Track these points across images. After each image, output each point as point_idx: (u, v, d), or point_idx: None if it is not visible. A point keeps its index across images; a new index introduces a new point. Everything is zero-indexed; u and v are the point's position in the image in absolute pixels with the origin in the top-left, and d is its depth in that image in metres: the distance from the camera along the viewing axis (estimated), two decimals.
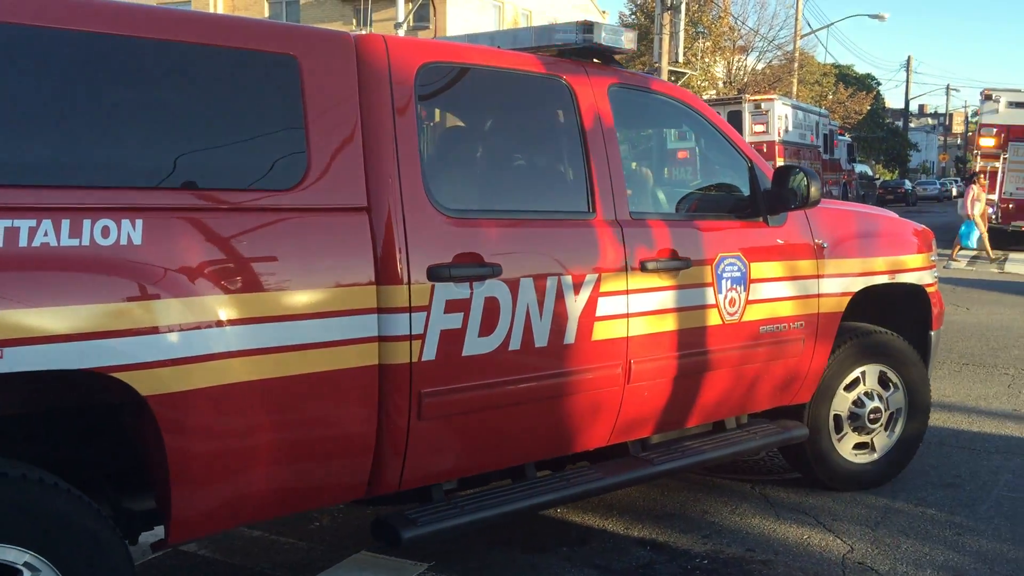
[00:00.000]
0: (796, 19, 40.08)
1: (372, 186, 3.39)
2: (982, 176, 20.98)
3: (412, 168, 3.49)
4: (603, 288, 3.96)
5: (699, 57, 33.99)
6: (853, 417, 5.25)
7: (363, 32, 4.56)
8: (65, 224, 2.75)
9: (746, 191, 4.76)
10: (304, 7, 36.87)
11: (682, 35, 28.78)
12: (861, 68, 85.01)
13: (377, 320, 3.35)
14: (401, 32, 25.96)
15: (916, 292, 5.57)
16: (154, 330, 2.86)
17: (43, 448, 3.12)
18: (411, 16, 26.47)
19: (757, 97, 26.33)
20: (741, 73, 35.76)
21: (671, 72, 29.49)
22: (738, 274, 4.49)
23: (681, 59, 28.99)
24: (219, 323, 2.98)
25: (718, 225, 4.57)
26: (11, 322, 2.60)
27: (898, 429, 5.40)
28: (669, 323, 4.25)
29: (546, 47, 4.26)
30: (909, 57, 79.00)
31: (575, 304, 3.89)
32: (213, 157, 3.19)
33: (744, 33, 36.27)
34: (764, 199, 4.67)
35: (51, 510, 2.72)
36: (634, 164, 5.86)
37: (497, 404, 3.74)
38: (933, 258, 5.75)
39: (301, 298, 3.19)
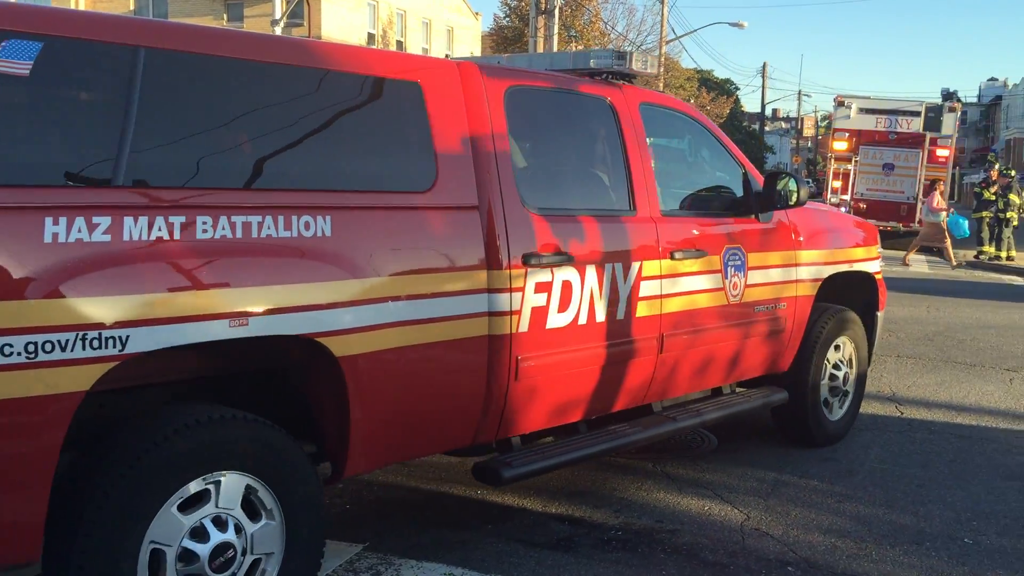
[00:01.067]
0: (662, 25, 41.43)
1: (480, 188, 4.14)
2: (941, 184, 21.70)
3: (507, 173, 4.25)
4: (644, 273, 4.79)
5: None
6: (831, 379, 6.26)
7: (455, 58, 5.59)
8: (281, 220, 3.46)
9: (740, 193, 5.60)
10: (172, 1, 35.84)
11: (556, 38, 29.42)
12: (721, 73, 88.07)
13: (487, 298, 4.10)
14: (278, 30, 25.67)
15: (867, 278, 6.67)
16: (346, 304, 3.59)
17: (235, 401, 3.68)
18: (285, 14, 26.11)
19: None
20: None
21: None
22: (739, 262, 5.39)
23: None
24: (386, 299, 3.73)
25: (722, 221, 5.47)
26: (254, 297, 3.33)
27: (852, 391, 6.48)
28: (690, 303, 5.10)
29: (582, 69, 5.03)
30: (764, 64, 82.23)
31: (625, 286, 4.71)
32: (373, 165, 3.92)
33: (614, 38, 37.24)
34: (756, 200, 5.56)
35: (269, 442, 3.44)
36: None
37: (568, 370, 4.51)
38: (879, 250, 6.88)
39: (438, 279, 3.95)
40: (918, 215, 23.85)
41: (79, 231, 2.97)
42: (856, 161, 24.42)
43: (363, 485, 5.29)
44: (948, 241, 20.57)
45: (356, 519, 4.88)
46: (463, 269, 4.04)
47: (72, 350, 2.91)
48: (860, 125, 24.55)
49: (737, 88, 73.32)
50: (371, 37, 38.13)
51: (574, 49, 34.86)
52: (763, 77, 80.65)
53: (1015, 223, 21.68)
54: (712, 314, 5.25)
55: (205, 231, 3.26)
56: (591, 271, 4.51)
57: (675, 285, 4.97)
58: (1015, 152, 75.92)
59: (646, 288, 4.79)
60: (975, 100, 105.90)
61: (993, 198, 21.80)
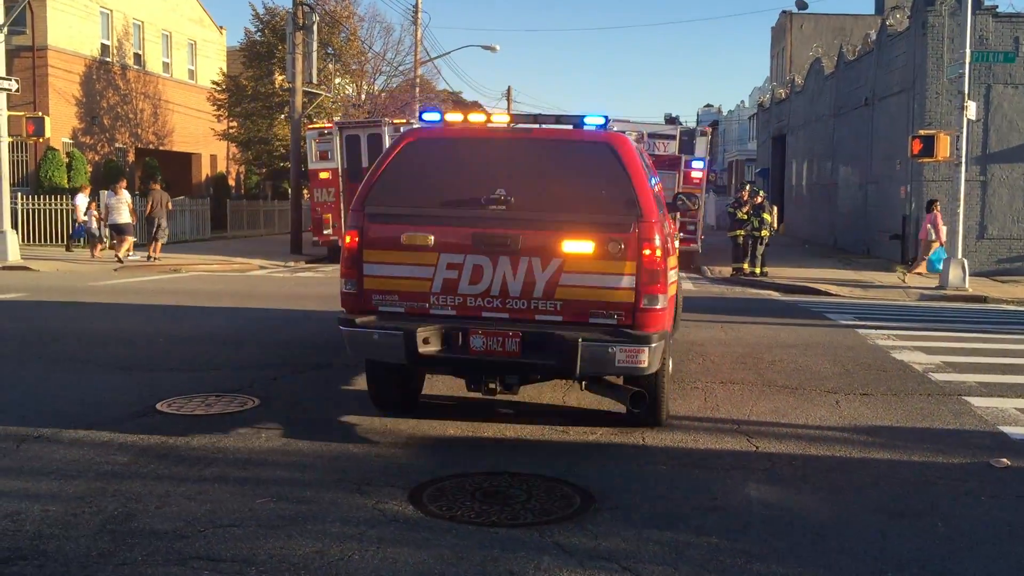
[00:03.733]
0: (416, 46, 41.15)
1: (647, 209, 6.90)
2: (938, 204, 22.34)
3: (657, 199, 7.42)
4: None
5: (330, 79, 33.62)
6: None
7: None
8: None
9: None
10: None
11: (315, 56, 28.28)
12: (469, 95, 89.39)
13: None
14: (0, 39, 22.83)
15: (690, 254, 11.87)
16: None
17: None
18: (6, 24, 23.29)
19: (398, 121, 26.47)
20: (365, 97, 35.88)
21: (306, 92, 28.85)
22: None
23: (315, 79, 28.44)
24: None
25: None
26: None
27: None
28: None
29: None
30: (509, 87, 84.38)
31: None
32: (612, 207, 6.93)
33: (371, 57, 36.51)
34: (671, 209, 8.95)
35: None
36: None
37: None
38: None
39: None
40: (700, 235, 24.71)
41: None
42: None
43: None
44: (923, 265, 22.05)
45: None
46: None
47: None
48: None
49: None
50: (105, 48, 35.13)
51: (332, 67, 33.77)
52: (508, 99, 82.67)
53: (767, 241, 22.98)
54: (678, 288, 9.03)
55: None
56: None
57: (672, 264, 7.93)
58: (736, 171, 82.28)
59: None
60: (694, 125, 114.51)
61: (746, 217, 23.01)
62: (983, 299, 19.26)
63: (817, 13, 61.60)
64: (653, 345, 6.67)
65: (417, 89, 40.70)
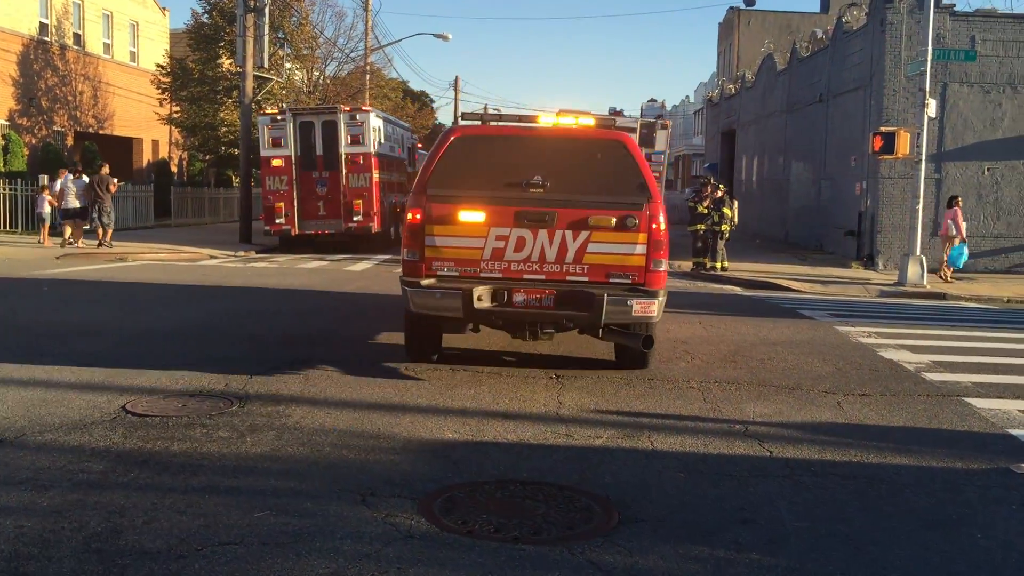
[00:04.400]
0: (366, 33, 40.38)
1: (654, 192, 8.43)
2: (959, 200, 22.13)
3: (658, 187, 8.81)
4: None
5: (280, 64, 32.75)
6: None
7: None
8: None
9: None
10: None
11: (267, 39, 27.50)
12: (416, 85, 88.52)
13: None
14: None
15: None
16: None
17: None
18: None
19: (353, 108, 25.80)
20: (318, 84, 35.07)
21: (256, 77, 28.04)
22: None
23: (266, 64, 27.63)
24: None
25: None
26: None
27: None
28: None
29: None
30: (457, 77, 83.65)
31: None
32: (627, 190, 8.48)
33: (323, 43, 35.70)
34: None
35: None
36: None
37: None
38: None
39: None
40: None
41: None
42: None
43: None
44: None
45: None
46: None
47: None
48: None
49: (432, 100, 73.82)
50: (43, 27, 33.81)
51: (282, 52, 32.91)
52: (455, 90, 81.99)
53: (727, 236, 22.87)
54: None
55: None
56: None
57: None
58: (683, 166, 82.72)
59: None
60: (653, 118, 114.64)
61: (706, 212, 22.87)
62: (942, 296, 19.35)
63: (765, 10, 61.86)
64: (660, 299, 8.39)
65: (368, 77, 39.96)
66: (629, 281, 8.41)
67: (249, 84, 27.45)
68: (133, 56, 40.43)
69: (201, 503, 5.25)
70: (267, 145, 24.86)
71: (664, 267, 8.49)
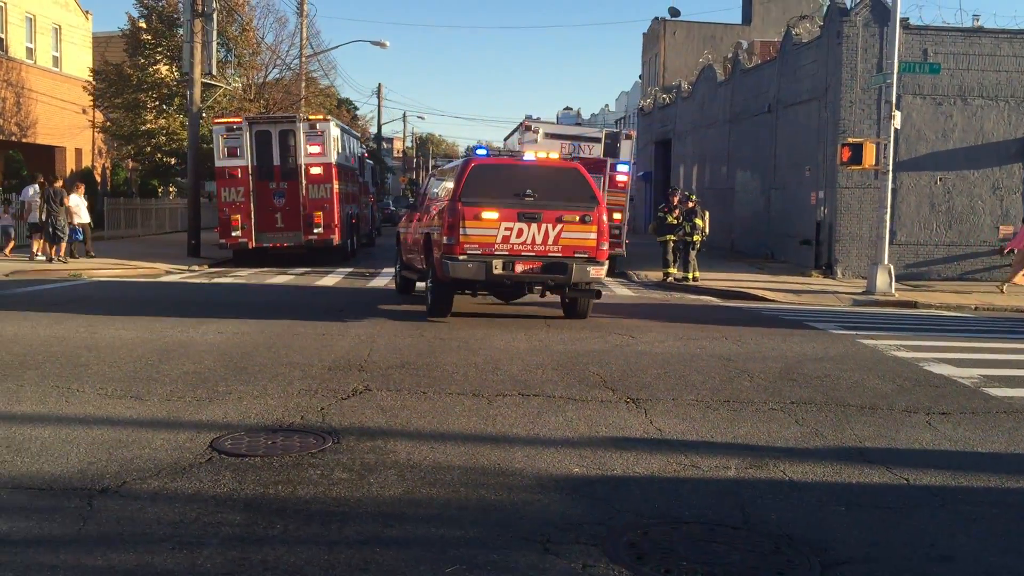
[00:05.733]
0: (302, 41, 39.46)
1: (600, 202, 13.68)
2: None
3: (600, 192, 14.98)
4: None
5: (223, 71, 31.69)
6: None
7: None
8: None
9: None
10: None
11: (215, 45, 26.59)
12: (342, 92, 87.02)
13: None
14: None
15: None
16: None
17: None
18: None
19: (313, 117, 25.09)
20: (260, 91, 34.08)
21: (205, 85, 27.08)
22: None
23: (215, 71, 26.71)
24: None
25: None
26: None
27: None
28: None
29: None
30: (380, 85, 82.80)
31: None
32: (583, 199, 13.51)
33: (264, 49, 34.71)
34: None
35: None
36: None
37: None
38: None
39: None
40: (624, 239, 24.57)
41: None
42: None
43: None
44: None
45: None
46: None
47: None
48: (547, 150, 24.66)
49: (356, 107, 72.85)
50: None
51: (230, 60, 31.87)
52: (379, 97, 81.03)
53: (699, 246, 22.93)
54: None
55: None
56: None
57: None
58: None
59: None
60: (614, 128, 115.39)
61: (676, 222, 22.90)
62: (913, 304, 19.73)
63: (689, 21, 62.95)
64: (604, 266, 13.44)
65: (304, 84, 39.05)
66: (587, 256, 13.24)
67: (197, 91, 26.46)
68: (56, 61, 38.70)
69: (377, 558, 4.81)
70: (222, 155, 24.00)
71: (606, 247, 13.41)
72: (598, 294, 13.93)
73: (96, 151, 42.66)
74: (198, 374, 9.24)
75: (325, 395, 8.46)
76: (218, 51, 29.27)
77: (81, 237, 24.52)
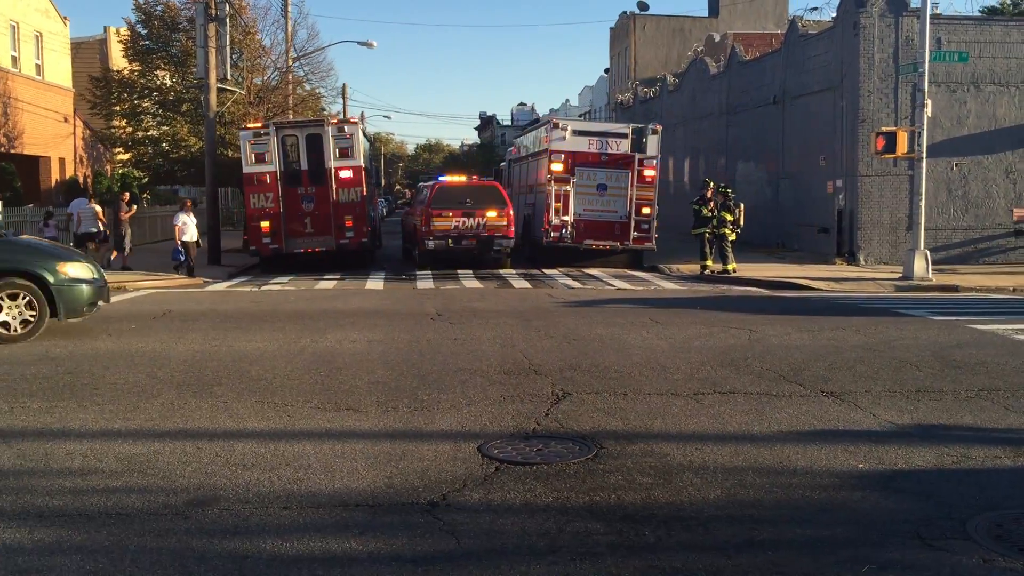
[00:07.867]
0: (287, 42, 38.96)
1: (509, 203, 25.68)
2: None
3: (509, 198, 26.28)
4: None
5: (233, 76, 31.17)
6: None
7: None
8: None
9: None
10: None
11: (228, 50, 26.19)
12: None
13: None
14: None
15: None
16: None
17: None
18: None
19: (341, 120, 24.81)
20: (261, 94, 33.61)
21: (220, 90, 26.67)
22: None
23: (229, 75, 26.30)
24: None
25: None
26: None
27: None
28: None
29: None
30: (344, 85, 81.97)
31: None
32: (500, 203, 25.31)
33: (266, 51, 34.25)
34: None
35: None
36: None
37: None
38: None
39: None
40: (631, 232, 24.75)
41: None
42: (574, 182, 24.66)
43: None
44: None
45: None
46: None
47: None
48: (574, 147, 24.81)
49: (323, 109, 72.14)
50: None
51: (239, 64, 31.39)
52: (344, 97, 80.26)
53: (732, 237, 23.15)
54: None
55: None
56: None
57: None
58: None
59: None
60: (509, 123, 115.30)
61: (710, 215, 23.12)
62: (955, 288, 20.18)
63: (658, 15, 63.47)
64: (512, 241, 24.68)
65: (291, 87, 38.59)
66: (502, 235, 24.23)
67: (213, 96, 26.00)
68: (39, 69, 37.73)
69: (781, 560, 4.82)
70: (250, 161, 23.63)
71: (512, 229, 24.36)
72: (508, 260, 24.81)
73: (78, 159, 41.72)
74: (386, 384, 9.13)
75: (531, 401, 8.41)
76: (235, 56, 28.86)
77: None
